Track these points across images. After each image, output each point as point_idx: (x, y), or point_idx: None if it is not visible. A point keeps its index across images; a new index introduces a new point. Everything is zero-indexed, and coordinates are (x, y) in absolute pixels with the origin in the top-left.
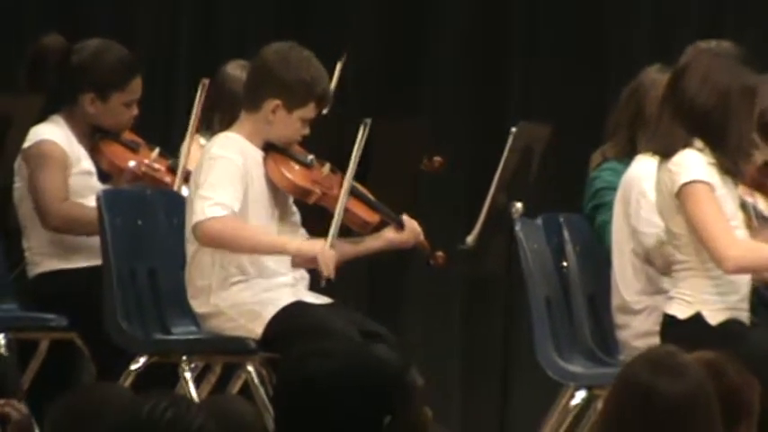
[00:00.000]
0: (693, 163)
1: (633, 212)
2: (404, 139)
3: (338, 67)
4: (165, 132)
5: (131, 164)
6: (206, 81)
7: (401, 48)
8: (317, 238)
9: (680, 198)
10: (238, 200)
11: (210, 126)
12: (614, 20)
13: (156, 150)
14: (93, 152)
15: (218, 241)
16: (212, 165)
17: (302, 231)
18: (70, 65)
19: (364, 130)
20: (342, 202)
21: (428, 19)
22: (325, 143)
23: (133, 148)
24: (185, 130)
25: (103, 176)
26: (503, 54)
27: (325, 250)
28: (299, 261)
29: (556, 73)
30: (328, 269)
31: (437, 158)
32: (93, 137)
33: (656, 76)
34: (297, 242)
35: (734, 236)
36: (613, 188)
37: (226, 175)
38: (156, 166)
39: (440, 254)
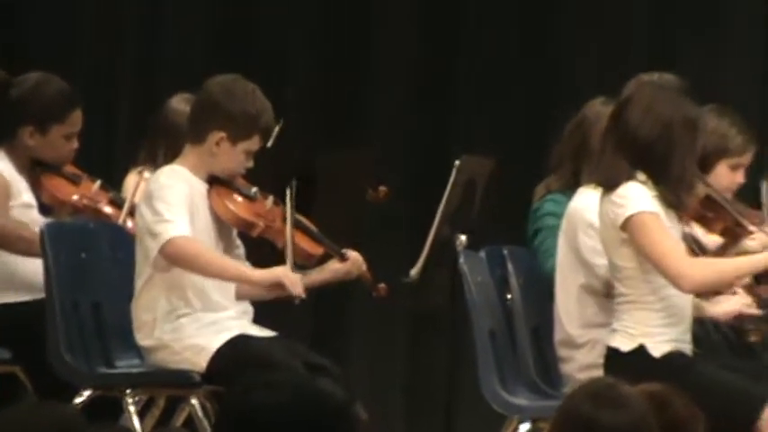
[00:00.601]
0: (638, 195)
1: (582, 245)
2: (348, 170)
3: (275, 130)
4: (106, 165)
5: (73, 197)
6: (146, 173)
7: (344, 77)
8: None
9: (627, 230)
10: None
11: (154, 159)
12: (559, 52)
13: (98, 183)
14: (34, 185)
15: (187, 258)
16: (163, 193)
17: (247, 264)
18: (9, 98)
19: (291, 191)
20: (289, 237)
21: (373, 47)
22: (268, 175)
23: (74, 181)
24: (127, 162)
25: (44, 209)
26: (448, 86)
27: (289, 272)
28: (267, 291)
29: (500, 105)
30: (297, 289)
31: (382, 188)
32: (34, 170)
33: (600, 109)
34: (258, 272)
35: (688, 256)
36: (554, 214)
37: (179, 202)
38: (99, 198)
39: (382, 286)
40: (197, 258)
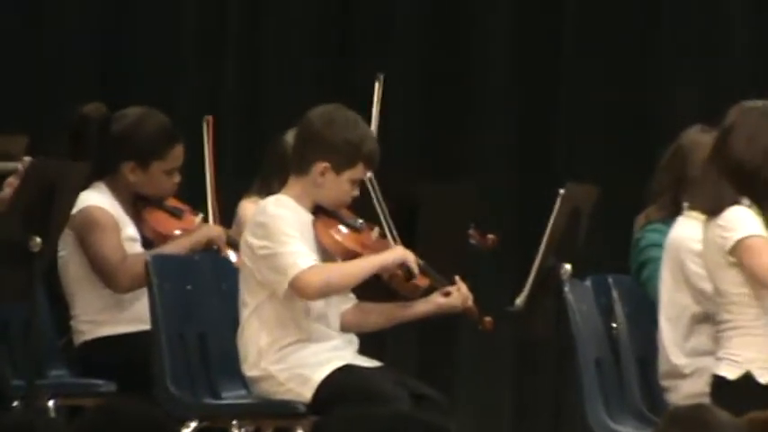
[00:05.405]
0: (745, 219)
1: (691, 274)
2: (451, 202)
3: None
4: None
5: (175, 231)
6: (209, 118)
7: (448, 106)
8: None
9: (736, 254)
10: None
11: (269, 191)
12: (660, 81)
13: (200, 216)
14: (137, 220)
15: (320, 288)
16: (276, 223)
17: (351, 296)
18: (110, 134)
19: (372, 185)
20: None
21: (475, 77)
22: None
23: (176, 215)
24: (234, 193)
25: (147, 243)
26: (551, 114)
27: (405, 250)
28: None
29: (604, 132)
30: (416, 264)
31: (490, 236)
32: (136, 204)
33: (696, 138)
34: (380, 256)
35: None
36: (658, 245)
37: (292, 231)
38: None
39: (488, 319)
40: (329, 283)
